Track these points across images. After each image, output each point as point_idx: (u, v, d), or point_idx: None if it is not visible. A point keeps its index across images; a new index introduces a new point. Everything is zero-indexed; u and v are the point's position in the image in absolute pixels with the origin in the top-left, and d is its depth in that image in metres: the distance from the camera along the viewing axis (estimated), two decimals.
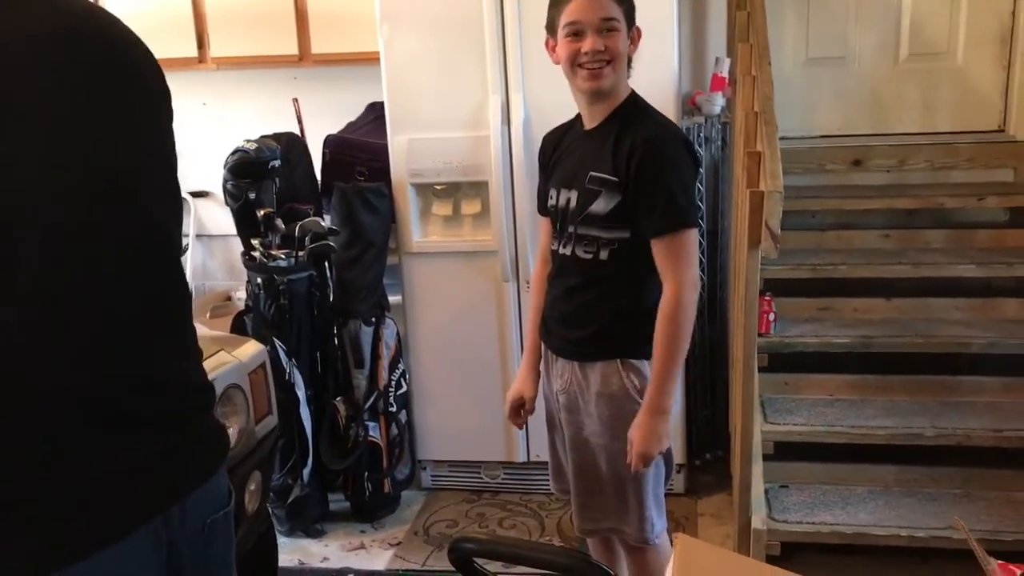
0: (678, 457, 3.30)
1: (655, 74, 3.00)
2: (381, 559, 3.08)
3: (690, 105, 3.39)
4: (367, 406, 3.23)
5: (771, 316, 3.17)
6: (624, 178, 1.98)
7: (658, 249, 1.98)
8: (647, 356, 2.04)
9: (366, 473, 3.27)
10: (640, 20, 2.86)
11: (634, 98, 2.08)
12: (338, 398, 3.23)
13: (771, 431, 2.97)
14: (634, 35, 2.05)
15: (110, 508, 1.11)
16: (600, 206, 2.01)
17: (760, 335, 2.90)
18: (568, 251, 2.10)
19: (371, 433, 3.25)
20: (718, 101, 3.33)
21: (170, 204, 1.23)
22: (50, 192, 1.07)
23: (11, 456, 1.06)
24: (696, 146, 3.27)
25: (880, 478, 2.99)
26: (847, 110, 3.75)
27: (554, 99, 2.60)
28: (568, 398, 2.15)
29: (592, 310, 2.09)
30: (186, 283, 1.28)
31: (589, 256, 2.06)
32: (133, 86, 1.19)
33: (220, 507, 1.27)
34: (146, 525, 1.14)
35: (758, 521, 2.72)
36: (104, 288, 1.12)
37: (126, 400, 1.14)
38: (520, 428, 2.43)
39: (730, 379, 3.34)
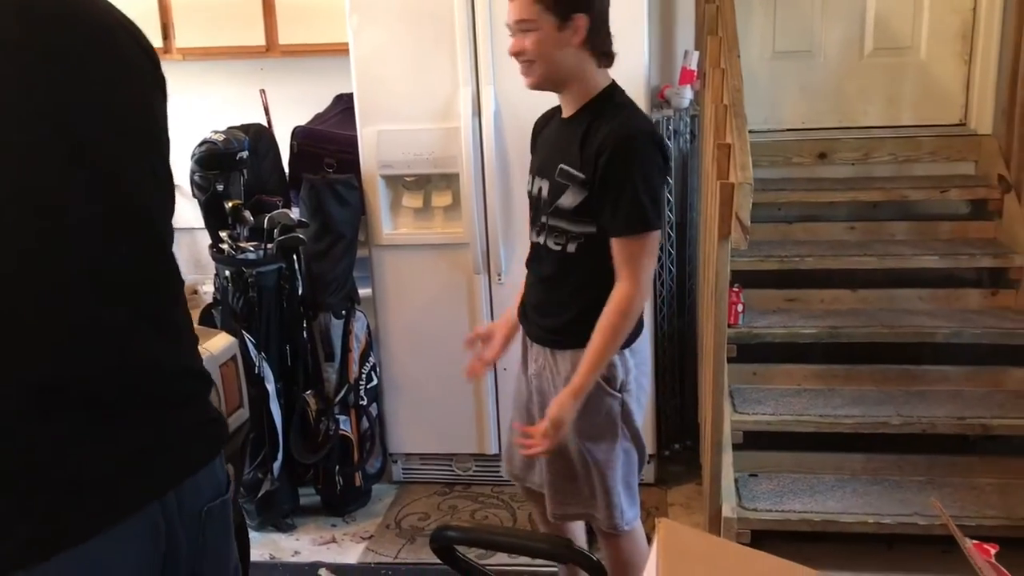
0: (649, 447, 3.32)
1: (625, 67, 3.00)
2: (353, 553, 3.07)
3: (659, 98, 3.40)
4: (337, 399, 3.22)
5: (739, 307, 3.20)
6: (591, 175, 1.98)
7: (618, 248, 1.99)
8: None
9: (337, 467, 3.25)
10: (611, 14, 2.86)
11: (610, 91, 2.07)
12: (308, 391, 3.21)
13: (740, 421, 3.00)
14: (575, 25, 1.97)
15: (105, 495, 1.11)
16: (567, 200, 2.02)
17: (729, 326, 2.93)
18: (541, 240, 2.12)
19: (342, 427, 3.23)
20: (687, 94, 3.35)
21: (157, 189, 1.22)
22: (22, 177, 1.06)
23: (3, 445, 1.06)
24: (666, 140, 3.29)
25: (847, 466, 3.03)
26: (813, 103, 3.80)
27: (525, 91, 2.59)
28: (541, 383, 2.18)
29: (562, 301, 2.11)
30: (176, 268, 1.26)
31: (558, 248, 2.08)
32: (115, 66, 1.18)
33: (217, 495, 1.27)
34: (142, 511, 1.14)
35: (728, 510, 2.75)
36: (83, 272, 1.11)
37: (115, 387, 1.14)
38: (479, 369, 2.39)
39: (699, 370, 3.37)
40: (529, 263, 2.22)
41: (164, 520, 1.17)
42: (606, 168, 1.95)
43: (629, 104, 2.09)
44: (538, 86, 2.06)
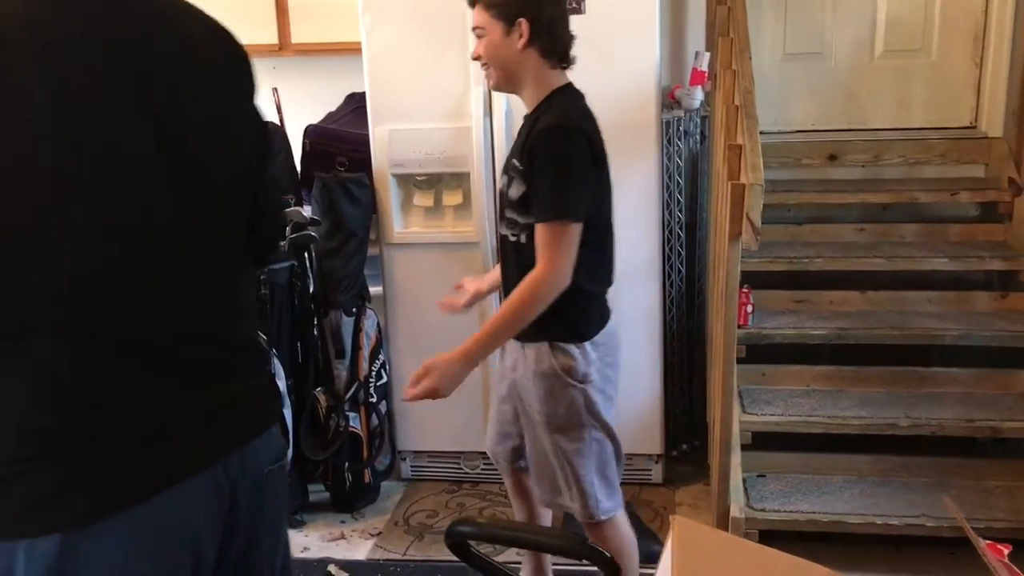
0: (656, 448, 3.34)
1: (635, 68, 3.02)
2: (361, 549, 3.08)
3: (669, 99, 3.41)
4: (348, 396, 3.23)
5: (749, 308, 3.21)
6: (527, 167, 2.09)
7: (538, 234, 2.07)
8: (573, 339, 2.15)
9: (346, 463, 3.27)
10: (622, 15, 2.87)
11: (561, 90, 2.16)
12: (318, 388, 3.23)
13: (749, 421, 3.01)
14: (520, 29, 2.08)
15: (172, 452, 1.18)
16: (514, 192, 2.13)
17: (738, 327, 2.93)
18: (503, 232, 2.23)
19: (351, 423, 3.25)
20: (697, 95, 3.36)
21: (235, 181, 1.29)
22: (114, 161, 1.14)
23: (85, 398, 1.13)
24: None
25: (855, 467, 3.04)
26: (823, 105, 3.80)
27: None
28: (515, 374, 2.26)
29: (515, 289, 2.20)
30: (244, 250, 1.34)
31: (514, 239, 2.17)
32: (199, 64, 1.26)
33: (276, 459, 1.34)
34: (206, 470, 1.21)
35: (736, 510, 2.75)
36: (173, 242, 1.19)
37: (190, 350, 1.21)
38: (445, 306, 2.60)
39: (708, 370, 3.38)
40: (498, 256, 2.33)
41: (227, 480, 1.24)
42: (534, 158, 2.06)
43: (573, 102, 2.16)
44: (498, 87, 2.22)
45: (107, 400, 1.14)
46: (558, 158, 2.04)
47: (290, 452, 3.10)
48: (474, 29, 2.15)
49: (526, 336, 2.18)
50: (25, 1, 1.11)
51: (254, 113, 1.37)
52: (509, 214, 2.17)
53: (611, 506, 2.26)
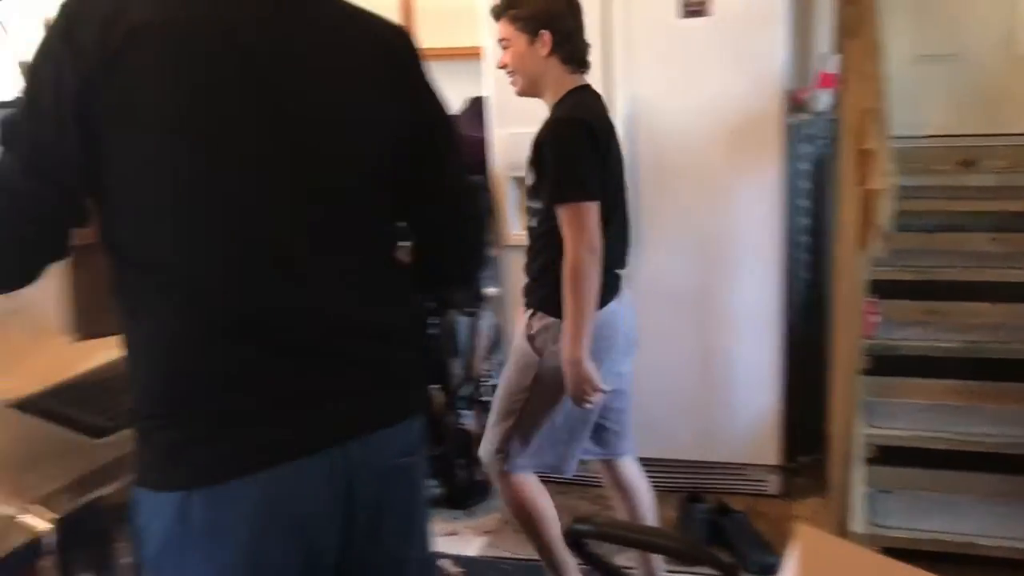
0: (773, 458, 3.27)
1: (759, 70, 2.97)
2: (474, 545, 3.12)
3: (796, 102, 3.33)
4: (461, 394, 3.28)
5: (876, 318, 3.10)
6: (535, 157, 2.26)
7: (559, 220, 2.21)
8: (550, 312, 2.28)
9: (459, 460, 3.32)
10: (747, 15, 2.85)
11: (575, 91, 2.30)
12: (434, 386, 3.29)
13: (873, 435, 2.91)
14: (543, 40, 2.24)
15: (291, 430, 1.20)
16: (529, 179, 2.32)
17: (864, 337, 2.84)
18: (527, 221, 2.40)
19: (464, 421, 3.30)
20: (825, 98, 3.27)
21: (381, 166, 1.31)
22: (247, 151, 1.19)
23: (218, 366, 1.18)
24: (803, 143, 3.24)
25: (985, 487, 2.91)
26: (957, 109, 3.65)
27: (658, 94, 2.61)
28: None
29: (529, 267, 2.39)
30: (391, 240, 1.36)
31: (532, 224, 2.36)
32: (330, 54, 1.28)
33: (404, 454, 1.32)
34: (320, 452, 1.22)
35: (857, 526, 2.68)
36: (331, 228, 1.24)
37: (323, 336, 1.23)
38: None
39: (831, 381, 3.28)
40: None
41: (344, 468, 1.24)
42: (541, 150, 2.24)
43: (583, 98, 2.30)
44: (523, 93, 2.36)
45: (237, 371, 1.18)
46: (559, 146, 2.20)
47: None
48: (500, 41, 2.32)
49: (525, 302, 2.38)
50: (155, 6, 1.14)
51: (411, 108, 1.36)
52: (528, 203, 2.36)
53: (521, 464, 2.40)
